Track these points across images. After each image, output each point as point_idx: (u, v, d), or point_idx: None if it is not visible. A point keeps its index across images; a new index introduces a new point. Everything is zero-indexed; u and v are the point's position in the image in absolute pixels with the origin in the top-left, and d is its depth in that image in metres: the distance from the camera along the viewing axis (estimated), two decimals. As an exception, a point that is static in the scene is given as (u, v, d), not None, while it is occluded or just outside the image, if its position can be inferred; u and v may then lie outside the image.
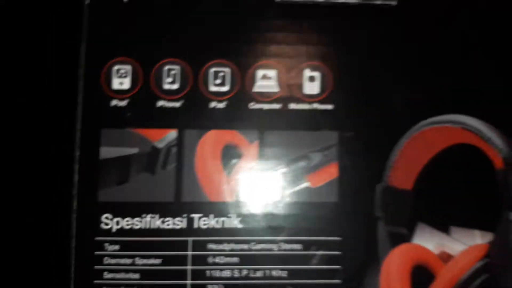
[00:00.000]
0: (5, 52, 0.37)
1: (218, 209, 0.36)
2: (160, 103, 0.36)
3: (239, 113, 0.37)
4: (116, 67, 0.36)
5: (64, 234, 0.35)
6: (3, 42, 0.37)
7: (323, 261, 0.36)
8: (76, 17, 0.35)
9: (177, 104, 0.37)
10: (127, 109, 0.36)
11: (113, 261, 0.35)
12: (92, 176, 0.35)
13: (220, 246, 0.36)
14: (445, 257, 0.37)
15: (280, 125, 0.37)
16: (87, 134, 0.36)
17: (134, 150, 0.36)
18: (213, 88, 0.37)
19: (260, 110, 0.37)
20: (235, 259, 0.36)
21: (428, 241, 0.37)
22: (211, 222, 0.36)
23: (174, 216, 0.36)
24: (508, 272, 0.36)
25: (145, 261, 0.35)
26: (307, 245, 0.36)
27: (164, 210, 0.36)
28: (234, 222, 0.36)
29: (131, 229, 0.35)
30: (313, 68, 0.37)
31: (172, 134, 0.36)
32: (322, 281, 0.36)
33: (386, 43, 0.38)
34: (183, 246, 0.36)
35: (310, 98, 0.37)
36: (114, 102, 0.36)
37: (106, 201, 0.35)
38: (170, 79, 0.37)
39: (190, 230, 0.36)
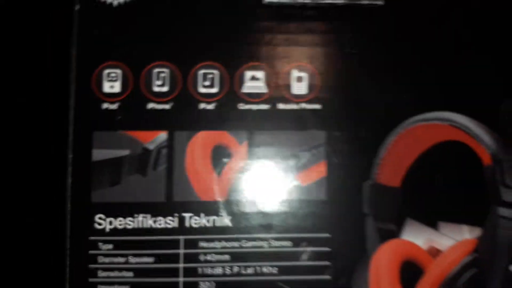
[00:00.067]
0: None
1: (208, 208, 0.37)
2: (150, 105, 0.37)
3: (228, 114, 0.37)
4: (106, 71, 0.37)
5: (59, 234, 0.36)
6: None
7: (313, 258, 0.37)
8: (66, 23, 0.36)
9: (167, 106, 0.37)
10: (118, 112, 0.37)
11: (107, 260, 0.36)
12: (85, 178, 0.36)
13: (211, 244, 0.36)
14: (434, 252, 0.37)
15: (268, 125, 0.38)
16: (79, 137, 0.36)
17: (125, 152, 0.36)
18: (202, 90, 0.38)
19: (249, 110, 0.38)
20: (226, 257, 0.36)
21: (417, 237, 0.38)
22: (202, 221, 0.37)
23: (165, 216, 0.36)
24: (496, 266, 0.36)
25: (138, 259, 0.36)
26: (296, 242, 0.37)
27: (156, 210, 0.36)
28: (224, 221, 0.37)
29: (124, 228, 0.36)
30: (301, 69, 0.38)
31: (162, 135, 0.37)
32: (312, 277, 0.37)
33: (373, 43, 0.38)
34: (175, 244, 0.36)
35: (298, 98, 0.38)
36: (105, 105, 0.37)
37: (99, 202, 0.36)
38: (159, 82, 0.37)
39: (181, 229, 0.36)
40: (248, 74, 0.38)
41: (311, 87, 0.38)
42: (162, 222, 0.36)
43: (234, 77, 0.38)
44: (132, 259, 0.36)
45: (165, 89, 0.37)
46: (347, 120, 0.38)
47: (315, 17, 0.38)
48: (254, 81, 0.38)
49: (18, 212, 0.37)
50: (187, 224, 0.36)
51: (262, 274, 0.36)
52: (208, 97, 0.38)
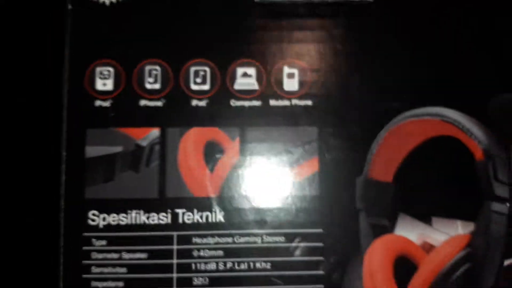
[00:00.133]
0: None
1: (201, 204, 0.37)
2: (143, 102, 0.37)
3: (220, 110, 0.38)
4: (99, 69, 0.37)
5: (53, 231, 0.36)
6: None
7: (306, 253, 0.37)
8: (59, 22, 0.37)
9: (159, 103, 0.37)
10: (111, 109, 0.37)
11: (100, 256, 0.36)
12: (79, 174, 0.36)
13: (205, 240, 0.37)
14: (427, 248, 0.37)
15: (261, 122, 0.38)
16: (73, 134, 0.37)
17: (118, 149, 0.37)
18: (194, 87, 0.38)
19: (241, 107, 0.38)
20: (220, 252, 0.37)
21: (410, 232, 0.37)
22: (195, 216, 0.37)
23: (158, 212, 0.37)
24: (490, 261, 0.36)
25: (131, 255, 0.36)
26: (289, 238, 0.37)
27: (149, 206, 0.36)
28: (217, 217, 0.37)
29: (117, 225, 0.36)
30: (292, 65, 0.38)
31: (154, 132, 0.37)
32: (305, 272, 0.37)
33: (364, 39, 0.39)
34: (168, 240, 0.36)
35: (290, 95, 0.38)
36: (98, 103, 0.37)
37: (93, 198, 0.36)
38: (151, 79, 0.38)
39: (174, 225, 0.36)
40: (240, 70, 0.38)
41: (302, 83, 0.38)
42: (155, 218, 0.37)
43: (225, 74, 0.38)
44: (125, 255, 0.36)
45: (157, 86, 0.38)
46: (339, 116, 0.38)
47: (307, 14, 0.39)
48: (246, 78, 0.38)
49: (12, 209, 0.38)
50: (180, 220, 0.37)
51: (256, 269, 0.36)
52: (200, 94, 0.38)
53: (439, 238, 0.37)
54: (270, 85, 0.38)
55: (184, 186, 0.37)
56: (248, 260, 0.37)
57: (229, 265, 0.37)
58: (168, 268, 0.36)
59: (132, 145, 0.37)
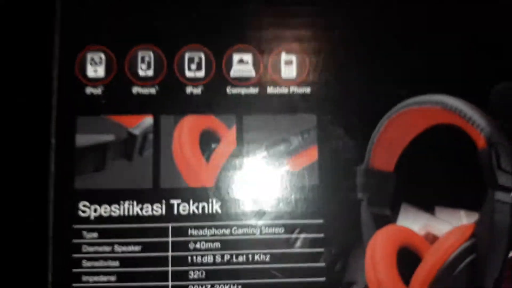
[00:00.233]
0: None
1: (197, 194, 0.36)
2: (135, 89, 0.36)
3: (216, 98, 0.37)
4: (89, 55, 0.36)
5: (41, 223, 0.34)
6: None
7: (306, 244, 0.36)
8: (48, 7, 0.36)
9: (152, 91, 0.36)
10: (102, 96, 0.36)
11: (91, 249, 0.35)
12: (68, 164, 0.35)
13: (201, 232, 0.35)
14: (431, 238, 0.37)
15: (258, 110, 0.37)
16: (62, 122, 0.35)
17: (110, 137, 0.36)
18: (188, 74, 0.37)
19: (238, 94, 0.37)
20: (217, 244, 0.35)
21: (413, 222, 0.37)
22: (191, 207, 0.36)
23: (152, 203, 0.35)
24: (495, 251, 0.35)
25: (124, 248, 0.35)
26: (289, 229, 0.36)
27: (143, 197, 0.35)
28: (214, 208, 0.36)
29: (109, 216, 0.35)
30: (290, 51, 0.37)
31: (148, 120, 0.36)
32: (305, 265, 0.35)
33: (362, 24, 0.38)
34: (163, 232, 0.35)
35: (288, 82, 0.37)
36: (89, 90, 0.36)
37: (83, 189, 0.35)
38: (144, 66, 0.36)
39: (169, 216, 0.35)
40: (236, 57, 0.37)
41: (300, 70, 0.37)
42: (149, 209, 0.35)
43: (221, 60, 0.37)
44: (118, 248, 0.35)
45: (150, 73, 0.36)
46: (338, 104, 0.37)
47: (304, 0, 0.38)
48: (242, 64, 0.37)
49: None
50: (175, 211, 0.35)
51: (254, 262, 0.35)
52: (194, 81, 0.37)
53: (443, 228, 0.36)
54: (267, 72, 0.37)
55: (179, 176, 0.36)
56: (246, 253, 0.35)
57: (226, 257, 0.35)
58: (162, 261, 0.35)
59: (124, 133, 0.36)
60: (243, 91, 0.37)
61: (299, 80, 0.37)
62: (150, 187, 0.36)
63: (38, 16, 0.37)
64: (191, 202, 0.36)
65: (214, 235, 0.35)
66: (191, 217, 0.35)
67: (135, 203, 0.35)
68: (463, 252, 0.35)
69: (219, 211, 0.36)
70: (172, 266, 0.35)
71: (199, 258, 0.35)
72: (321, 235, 0.36)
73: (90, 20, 0.37)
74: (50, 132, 0.35)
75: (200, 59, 0.37)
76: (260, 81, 0.37)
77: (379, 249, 0.36)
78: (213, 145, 0.36)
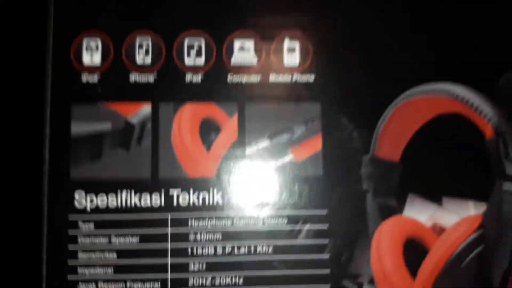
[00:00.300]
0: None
1: (197, 185, 0.35)
2: (133, 77, 0.35)
3: (217, 86, 0.36)
4: (85, 41, 0.35)
5: (36, 214, 0.33)
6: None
7: (310, 235, 0.35)
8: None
9: (150, 78, 0.35)
10: (99, 84, 0.35)
11: (87, 240, 0.34)
12: (64, 153, 0.34)
13: (201, 223, 0.34)
14: (438, 230, 0.36)
15: (260, 98, 0.36)
16: (57, 110, 0.34)
17: (107, 125, 0.35)
18: (188, 61, 0.36)
19: (239, 82, 0.36)
20: (218, 236, 0.34)
21: (419, 213, 0.36)
22: (191, 198, 0.35)
23: (151, 193, 0.34)
24: (503, 242, 0.35)
25: (121, 240, 0.34)
26: (292, 220, 0.35)
27: (141, 187, 0.34)
28: (215, 198, 0.35)
29: (106, 207, 0.34)
30: (292, 38, 0.36)
31: (146, 108, 0.35)
32: (309, 256, 0.35)
33: (367, 11, 0.37)
34: (161, 223, 0.34)
35: (290, 69, 0.36)
36: (84, 77, 0.35)
37: (79, 178, 0.34)
38: (142, 52, 0.35)
39: (168, 206, 0.34)
40: (237, 43, 0.36)
41: (304, 57, 0.36)
42: (148, 200, 0.34)
43: (222, 47, 0.36)
44: (115, 240, 0.34)
45: (148, 60, 0.35)
46: (343, 92, 0.36)
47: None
48: (244, 51, 0.36)
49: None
50: (174, 201, 0.34)
51: (256, 253, 0.34)
52: (194, 68, 0.36)
53: (450, 219, 0.36)
54: (269, 59, 0.36)
55: (178, 166, 0.35)
56: (249, 244, 0.34)
57: (228, 249, 0.34)
58: (161, 253, 0.34)
59: (122, 122, 0.35)
60: (244, 78, 0.36)
61: (303, 68, 0.36)
62: (149, 176, 0.35)
63: (31, 0, 0.36)
64: (191, 192, 0.35)
65: (215, 226, 0.34)
66: (191, 207, 0.34)
67: (133, 193, 0.34)
68: (471, 243, 0.35)
69: (220, 201, 0.35)
70: (171, 257, 0.34)
71: (199, 250, 0.34)
72: (326, 226, 0.35)
73: (86, 4, 0.36)
74: (45, 121, 0.34)
75: (200, 45, 0.36)
76: (262, 68, 0.36)
77: (385, 241, 0.35)
78: (214, 134, 0.35)
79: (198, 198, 0.35)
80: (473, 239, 0.35)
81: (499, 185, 0.35)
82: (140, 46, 0.35)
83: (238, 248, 0.34)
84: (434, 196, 0.36)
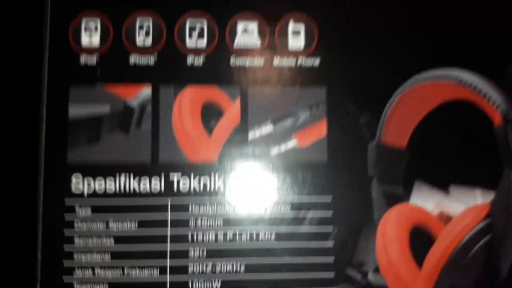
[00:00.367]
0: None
1: (199, 170, 0.34)
2: (133, 58, 0.34)
3: (219, 69, 0.35)
4: (84, 21, 0.34)
5: (31, 198, 0.33)
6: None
7: (314, 222, 0.34)
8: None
9: (151, 60, 0.34)
10: (97, 65, 0.34)
11: (84, 225, 0.33)
12: (61, 135, 0.33)
13: (202, 209, 0.34)
14: (445, 218, 0.35)
15: (264, 81, 0.35)
16: (54, 91, 0.34)
17: (105, 108, 0.34)
18: (189, 43, 0.35)
19: (242, 65, 0.35)
20: (219, 222, 0.34)
21: (426, 201, 0.35)
22: (192, 183, 0.34)
23: (150, 177, 0.34)
24: (511, 231, 0.34)
25: (119, 225, 0.33)
26: (296, 206, 0.34)
27: (140, 171, 0.34)
28: (217, 184, 0.34)
29: (104, 191, 0.33)
30: (298, 20, 0.35)
31: (146, 91, 0.34)
32: (313, 243, 0.34)
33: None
34: (161, 208, 0.33)
35: (295, 53, 0.35)
36: (83, 58, 0.34)
37: (77, 162, 0.33)
38: (142, 33, 0.35)
39: (168, 192, 0.34)
40: (240, 25, 0.35)
41: (309, 40, 0.35)
42: (147, 184, 0.33)
43: (224, 29, 0.35)
44: (112, 225, 0.33)
45: (148, 41, 0.35)
46: (349, 76, 0.35)
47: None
48: (247, 34, 0.35)
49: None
50: (174, 186, 0.34)
51: (259, 240, 0.33)
52: (196, 51, 0.35)
53: (457, 207, 0.35)
54: (273, 42, 0.35)
55: (179, 150, 0.34)
56: (250, 231, 0.33)
57: (229, 236, 0.33)
58: (160, 239, 0.33)
59: (121, 106, 0.34)
60: (248, 61, 0.35)
61: (308, 51, 0.35)
62: (149, 160, 0.34)
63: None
64: (192, 177, 0.34)
65: (216, 212, 0.34)
66: (191, 192, 0.34)
67: (132, 177, 0.33)
68: (479, 232, 0.34)
69: (222, 187, 0.34)
70: (171, 244, 0.33)
71: (200, 236, 0.33)
72: (330, 213, 0.34)
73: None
74: (42, 103, 0.33)
75: (202, 27, 0.35)
76: (266, 51, 0.35)
77: (391, 229, 0.34)
78: (216, 118, 0.34)
79: (199, 183, 0.34)
80: (480, 228, 0.34)
81: (507, 173, 0.34)
82: (141, 27, 0.35)
83: (240, 234, 0.34)
84: (441, 183, 0.35)
